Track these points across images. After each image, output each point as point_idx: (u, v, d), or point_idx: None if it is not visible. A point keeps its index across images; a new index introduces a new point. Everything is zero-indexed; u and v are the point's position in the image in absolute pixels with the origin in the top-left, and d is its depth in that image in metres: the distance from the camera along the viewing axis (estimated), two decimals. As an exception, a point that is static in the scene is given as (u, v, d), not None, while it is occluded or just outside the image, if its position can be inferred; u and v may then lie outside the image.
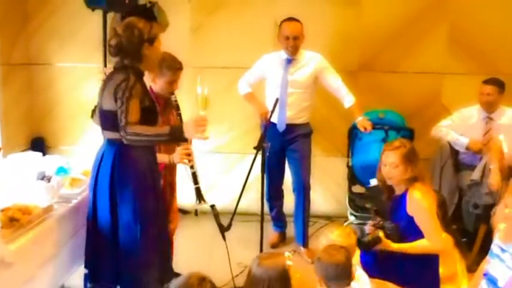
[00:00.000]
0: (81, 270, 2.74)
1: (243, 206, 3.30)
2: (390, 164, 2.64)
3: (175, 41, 4.04)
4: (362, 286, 2.30)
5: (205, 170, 3.88)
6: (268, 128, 3.38)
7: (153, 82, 2.98)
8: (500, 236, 2.32)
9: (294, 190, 3.89)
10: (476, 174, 3.53)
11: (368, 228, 2.67)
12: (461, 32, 4.23)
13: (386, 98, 4.26)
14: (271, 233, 4.07)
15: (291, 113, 3.76)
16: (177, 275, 3.16)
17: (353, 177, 4.13)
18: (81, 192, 2.84)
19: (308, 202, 3.84)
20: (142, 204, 2.53)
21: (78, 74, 4.55)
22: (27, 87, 4.61)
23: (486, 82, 3.75)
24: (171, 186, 3.17)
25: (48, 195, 2.62)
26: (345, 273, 2.20)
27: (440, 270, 2.70)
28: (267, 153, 3.27)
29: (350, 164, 4.14)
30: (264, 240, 3.38)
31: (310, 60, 3.76)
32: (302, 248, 3.82)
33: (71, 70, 4.57)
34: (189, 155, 2.91)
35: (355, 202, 4.16)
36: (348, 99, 3.75)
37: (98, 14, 4.15)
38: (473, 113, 3.84)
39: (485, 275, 2.37)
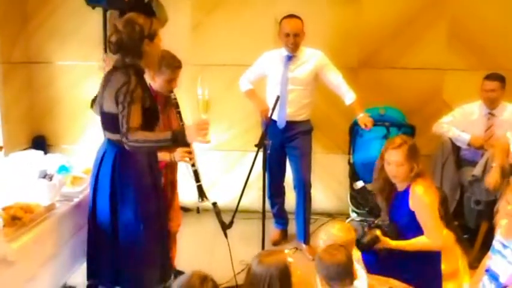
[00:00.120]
0: (83, 268, 2.74)
1: (244, 203, 3.30)
2: (395, 163, 2.63)
3: (175, 39, 4.03)
4: (362, 282, 2.30)
5: (207, 168, 3.89)
6: (269, 125, 3.38)
7: (153, 80, 2.97)
8: (501, 232, 2.32)
9: (294, 187, 3.89)
10: (477, 170, 3.53)
11: (365, 229, 2.67)
12: (461, 28, 4.22)
13: (387, 94, 4.25)
14: (272, 230, 4.08)
15: (291, 110, 3.76)
16: (180, 272, 3.20)
17: (354, 174, 4.12)
18: (83, 190, 2.85)
19: (309, 199, 3.85)
20: (144, 204, 2.54)
21: (79, 72, 4.54)
22: (28, 85, 4.61)
23: (488, 78, 3.73)
24: (172, 184, 3.17)
25: (50, 194, 2.62)
26: (346, 273, 2.20)
27: (442, 266, 2.71)
28: (268, 151, 3.27)
29: (351, 161, 4.14)
30: (266, 238, 3.38)
31: (311, 57, 3.76)
32: (303, 245, 3.82)
33: (71, 68, 4.57)
34: (190, 153, 2.92)
35: (357, 199, 4.16)
36: (348, 96, 3.75)
37: (98, 12, 4.14)
38: (474, 109, 3.83)
39: (487, 271, 2.38)
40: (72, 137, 4.66)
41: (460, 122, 3.82)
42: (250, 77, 3.89)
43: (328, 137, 4.40)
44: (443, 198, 2.93)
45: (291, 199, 4.00)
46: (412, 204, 2.62)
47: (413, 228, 2.61)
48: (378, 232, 2.64)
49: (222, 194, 4.07)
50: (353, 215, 4.18)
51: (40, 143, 4.56)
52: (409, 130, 3.92)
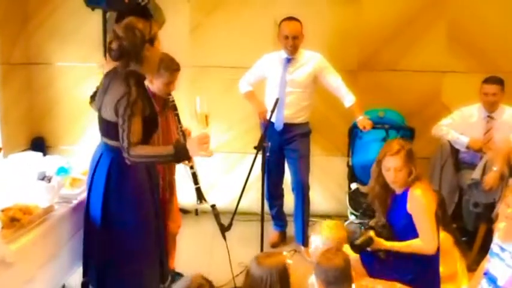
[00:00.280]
0: (81, 270, 2.74)
1: (243, 205, 3.30)
2: (394, 169, 2.63)
3: (174, 40, 4.04)
4: None
5: (206, 170, 3.88)
6: (268, 127, 3.38)
7: (150, 83, 2.96)
8: (500, 235, 2.32)
9: (293, 190, 3.90)
10: (476, 173, 3.53)
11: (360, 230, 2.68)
12: (460, 30, 4.22)
13: (386, 96, 4.26)
14: (271, 232, 4.08)
15: (289, 112, 3.77)
16: (179, 274, 3.20)
17: (353, 177, 4.13)
18: (82, 192, 2.84)
19: (307, 201, 3.85)
20: (140, 207, 2.54)
21: (78, 73, 4.54)
22: (27, 86, 4.61)
23: (488, 82, 3.73)
24: (171, 185, 3.17)
25: (49, 196, 2.62)
26: (344, 277, 2.20)
27: (441, 269, 2.71)
28: (267, 153, 3.27)
29: (350, 163, 4.14)
30: (265, 240, 3.38)
31: (310, 59, 3.76)
32: (302, 247, 3.82)
33: (70, 69, 4.57)
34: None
35: (356, 201, 4.16)
36: (348, 98, 3.76)
37: (98, 13, 4.15)
38: (473, 112, 3.84)
39: (485, 274, 2.38)
40: (71, 138, 4.66)
41: (459, 125, 3.83)
42: (250, 79, 3.89)
43: (327, 139, 4.40)
44: (441, 201, 2.94)
45: (289, 201, 4.00)
46: (410, 207, 2.62)
47: (410, 232, 2.61)
48: (371, 233, 2.65)
49: (221, 196, 4.08)
50: (351, 217, 4.17)
51: (39, 144, 4.55)
52: (408, 133, 3.93)
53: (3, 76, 4.28)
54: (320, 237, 2.57)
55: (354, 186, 3.90)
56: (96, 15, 4.18)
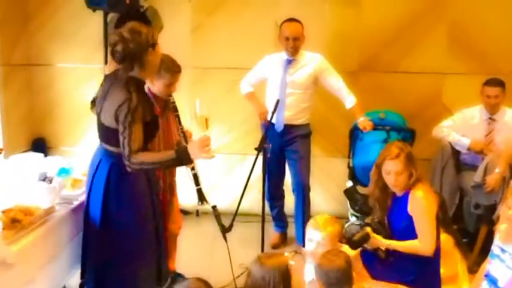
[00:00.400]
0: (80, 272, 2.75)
1: (244, 206, 3.30)
2: (394, 173, 2.62)
3: (175, 41, 4.06)
4: None
5: (206, 171, 3.88)
6: (269, 128, 3.39)
7: (151, 84, 2.96)
8: (500, 236, 2.32)
9: (293, 191, 3.90)
10: (478, 176, 3.53)
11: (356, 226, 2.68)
12: (461, 32, 4.22)
13: (387, 98, 4.26)
14: (272, 233, 4.08)
15: (290, 114, 3.77)
16: (179, 275, 3.20)
17: (354, 178, 4.12)
18: (83, 193, 2.84)
19: (308, 202, 3.85)
20: (138, 210, 2.56)
21: (79, 74, 4.54)
22: (28, 87, 4.61)
23: (489, 84, 3.72)
24: (171, 186, 3.18)
25: (50, 197, 2.62)
26: (346, 278, 2.20)
27: (442, 270, 2.70)
28: (268, 154, 3.28)
29: (351, 164, 4.13)
30: (265, 241, 3.39)
31: (310, 61, 3.77)
32: (303, 248, 3.82)
33: (71, 71, 4.57)
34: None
35: (351, 198, 4.15)
36: (349, 99, 3.76)
37: (99, 14, 4.16)
38: (475, 114, 3.84)
39: (486, 275, 2.38)
40: (72, 140, 4.66)
41: (460, 127, 3.83)
42: (251, 80, 3.90)
43: (328, 141, 4.40)
44: (441, 202, 2.94)
45: (290, 202, 4.00)
46: (411, 209, 2.61)
47: (411, 233, 2.60)
48: (368, 229, 2.65)
49: (222, 197, 4.08)
50: (352, 219, 4.17)
51: (40, 146, 4.55)
52: (409, 134, 3.93)
53: (4, 77, 4.29)
54: (316, 232, 2.56)
55: (349, 184, 3.89)
56: (97, 17, 4.18)
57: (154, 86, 2.96)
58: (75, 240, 2.73)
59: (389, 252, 2.66)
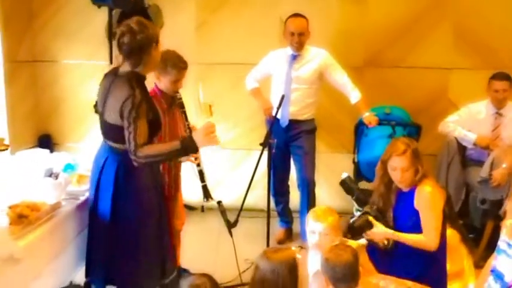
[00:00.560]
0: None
1: (249, 202, 3.31)
2: (400, 169, 2.61)
3: (180, 38, 4.06)
4: None
5: (212, 167, 3.89)
6: (274, 124, 3.38)
7: (158, 80, 2.98)
8: (507, 231, 2.31)
9: (298, 186, 3.90)
10: (485, 171, 3.52)
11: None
12: (466, 27, 4.21)
13: (393, 93, 4.24)
14: (277, 229, 4.08)
15: (295, 109, 3.76)
16: (185, 270, 3.21)
17: (359, 173, 4.11)
18: (88, 189, 2.85)
19: (313, 198, 3.85)
20: (146, 205, 2.57)
21: (84, 71, 4.55)
22: (33, 84, 4.62)
23: (497, 78, 3.70)
24: (176, 182, 3.18)
25: (56, 192, 2.63)
26: (352, 273, 2.18)
27: (448, 266, 2.70)
28: (273, 150, 3.28)
29: (356, 160, 4.13)
30: (271, 236, 3.39)
31: (315, 56, 3.76)
32: (306, 243, 3.83)
33: (76, 67, 4.58)
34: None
35: (360, 198, 4.14)
36: (354, 95, 3.75)
37: (103, 11, 4.16)
38: (481, 109, 3.82)
39: (492, 271, 2.37)
40: (77, 136, 4.68)
41: (466, 122, 3.81)
42: (256, 76, 3.90)
43: (333, 136, 4.40)
44: (447, 198, 2.93)
45: (295, 198, 4.00)
46: (417, 203, 2.60)
47: (415, 230, 2.59)
48: (369, 217, 2.64)
49: (227, 192, 4.08)
50: (357, 214, 4.16)
51: (46, 142, 4.57)
52: (415, 129, 3.91)
53: (10, 74, 4.30)
54: (318, 223, 2.55)
55: (344, 175, 3.88)
56: (102, 13, 4.18)
57: (161, 82, 2.97)
58: (81, 236, 2.75)
59: (394, 246, 2.65)
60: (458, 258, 2.85)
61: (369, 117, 3.69)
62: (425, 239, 2.57)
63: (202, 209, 4.53)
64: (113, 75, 2.48)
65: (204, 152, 3.16)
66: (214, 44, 4.41)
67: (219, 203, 3.05)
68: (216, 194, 3.13)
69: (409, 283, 2.51)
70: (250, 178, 3.22)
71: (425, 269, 2.61)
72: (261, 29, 4.29)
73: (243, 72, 3.96)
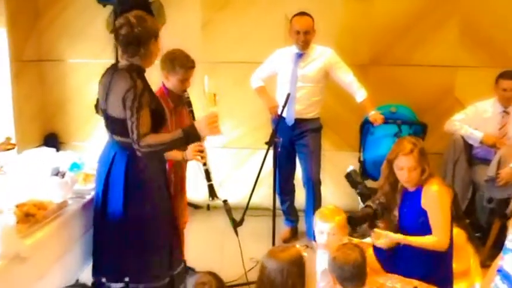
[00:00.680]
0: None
1: (255, 201, 3.31)
2: (407, 169, 2.60)
3: (185, 37, 4.07)
4: None
5: (217, 165, 3.89)
6: (279, 122, 3.38)
7: (166, 79, 2.99)
8: (514, 231, 2.29)
9: (304, 185, 3.90)
10: (491, 170, 3.50)
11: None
12: (473, 24, 4.18)
13: (398, 92, 4.23)
14: (282, 227, 4.08)
15: (300, 107, 3.76)
16: (190, 268, 3.21)
17: (364, 172, 4.10)
18: (94, 187, 2.86)
19: (319, 196, 3.84)
20: (157, 202, 2.59)
21: (90, 70, 4.56)
22: (39, 83, 4.65)
23: (505, 77, 3.67)
24: (181, 181, 3.19)
25: (62, 191, 2.64)
26: (360, 273, 2.18)
27: (454, 265, 2.68)
28: (279, 148, 3.28)
29: (361, 158, 4.12)
30: (276, 235, 3.39)
31: (321, 54, 3.75)
32: (313, 243, 3.81)
33: (82, 66, 4.60)
34: (201, 151, 2.92)
35: (365, 196, 4.13)
36: (359, 93, 3.74)
37: (109, 9, 4.16)
38: (487, 107, 3.80)
39: (499, 271, 2.35)
40: (83, 135, 4.70)
41: (473, 120, 3.79)
42: (261, 75, 3.89)
43: (339, 135, 4.39)
44: (453, 197, 2.92)
45: (301, 196, 4.00)
46: (425, 203, 2.59)
47: (427, 230, 2.57)
48: (371, 210, 2.65)
49: (233, 191, 4.08)
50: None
51: (52, 141, 4.59)
52: (421, 128, 3.90)
53: (16, 73, 4.32)
54: (326, 224, 2.55)
55: (350, 168, 3.89)
56: (107, 12, 4.19)
57: (168, 81, 2.99)
58: (88, 234, 2.75)
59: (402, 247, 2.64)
60: (464, 257, 2.83)
61: (374, 115, 3.68)
62: (436, 240, 2.55)
63: (208, 207, 4.54)
64: (112, 70, 2.49)
65: (209, 150, 3.17)
66: (220, 42, 4.42)
67: (224, 201, 3.05)
68: (222, 193, 3.13)
69: (416, 282, 2.50)
70: (255, 177, 3.22)
71: (431, 268, 2.59)
72: (266, 27, 4.29)
73: (248, 71, 3.96)
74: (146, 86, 2.43)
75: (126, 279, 2.58)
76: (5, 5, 4.12)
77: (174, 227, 2.81)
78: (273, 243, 3.30)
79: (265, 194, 3.64)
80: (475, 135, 3.74)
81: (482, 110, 3.81)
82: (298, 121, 3.78)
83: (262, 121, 4.26)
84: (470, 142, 3.80)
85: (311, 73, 3.74)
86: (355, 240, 2.61)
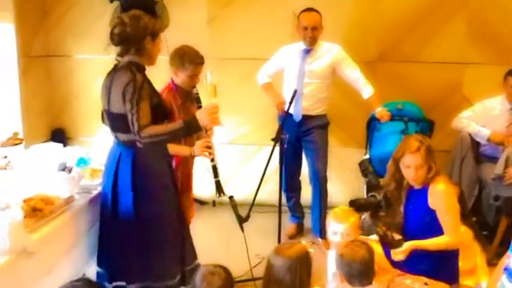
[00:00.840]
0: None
1: (261, 197, 3.31)
2: (414, 167, 2.58)
3: (191, 33, 4.06)
4: None
5: (224, 162, 3.89)
6: (285, 119, 3.38)
7: (175, 75, 3.01)
8: (522, 229, 2.28)
9: (310, 181, 3.89)
10: (499, 168, 3.48)
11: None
12: (481, 21, 4.14)
13: (406, 88, 4.21)
14: (288, 224, 4.08)
15: (307, 104, 3.75)
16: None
17: (371, 169, 4.09)
18: (101, 183, 2.87)
19: (325, 193, 3.84)
20: (167, 198, 2.63)
21: (97, 65, 4.54)
22: (47, 79, 4.66)
23: None
24: (188, 177, 3.20)
25: (69, 186, 2.66)
26: (367, 270, 2.17)
27: (460, 263, 2.68)
28: (285, 145, 3.27)
29: (368, 155, 4.10)
30: (282, 232, 3.39)
31: (328, 51, 3.74)
32: (319, 239, 3.82)
33: (89, 62, 4.60)
34: (209, 147, 2.93)
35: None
36: (366, 90, 3.72)
37: (115, 6, 4.16)
38: (495, 104, 3.77)
39: (505, 269, 2.34)
40: (90, 130, 4.71)
41: (480, 117, 3.77)
42: (268, 71, 3.89)
43: (345, 131, 4.38)
44: (460, 194, 2.90)
45: (307, 193, 4.00)
46: (432, 202, 2.57)
47: (434, 228, 2.56)
48: (374, 200, 2.68)
49: (239, 187, 4.09)
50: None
51: (59, 136, 4.61)
52: (427, 125, 3.88)
53: (24, 69, 4.34)
54: (340, 225, 2.55)
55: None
56: (114, 8, 4.19)
57: (178, 77, 3.01)
58: (94, 229, 2.77)
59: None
60: (471, 255, 2.82)
61: (381, 111, 3.67)
62: (449, 240, 2.54)
63: (214, 203, 4.54)
64: (112, 71, 2.54)
65: (216, 147, 3.17)
66: (226, 38, 4.41)
67: (230, 198, 3.05)
68: (228, 189, 3.13)
69: (425, 279, 2.49)
70: (261, 173, 3.22)
71: (437, 266, 2.59)
72: (273, 23, 4.28)
73: (255, 67, 3.95)
74: (146, 79, 2.45)
75: (134, 278, 2.60)
76: (14, 2, 4.14)
77: (181, 223, 2.83)
78: (279, 240, 3.30)
79: (271, 191, 3.64)
80: (482, 132, 3.72)
81: (490, 107, 3.78)
82: (305, 117, 3.77)
83: (268, 117, 4.25)
84: (478, 139, 3.78)
85: (318, 69, 3.73)
86: (360, 237, 2.61)
